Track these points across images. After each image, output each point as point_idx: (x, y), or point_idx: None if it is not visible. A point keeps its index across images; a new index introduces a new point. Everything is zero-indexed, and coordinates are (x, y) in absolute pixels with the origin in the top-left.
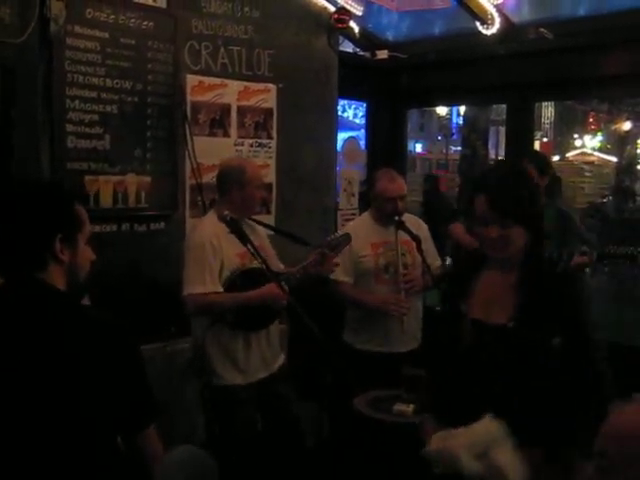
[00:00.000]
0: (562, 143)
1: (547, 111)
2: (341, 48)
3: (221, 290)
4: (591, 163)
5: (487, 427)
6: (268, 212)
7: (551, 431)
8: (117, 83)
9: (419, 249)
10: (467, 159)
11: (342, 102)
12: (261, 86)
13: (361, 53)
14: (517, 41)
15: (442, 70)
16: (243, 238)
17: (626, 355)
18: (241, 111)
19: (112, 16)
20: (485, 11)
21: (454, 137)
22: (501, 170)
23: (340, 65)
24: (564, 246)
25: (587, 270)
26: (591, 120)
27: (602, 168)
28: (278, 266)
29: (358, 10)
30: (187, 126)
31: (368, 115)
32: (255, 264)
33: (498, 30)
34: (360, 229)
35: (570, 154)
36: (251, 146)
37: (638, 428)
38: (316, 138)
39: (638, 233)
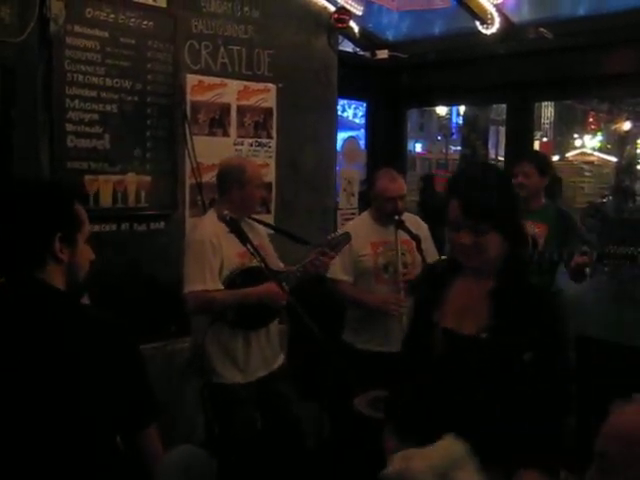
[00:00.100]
0: (562, 143)
1: (547, 111)
2: (341, 48)
3: (222, 288)
4: (591, 163)
5: (449, 447)
6: (268, 211)
7: (516, 447)
8: (117, 82)
9: (419, 248)
10: (467, 159)
11: (342, 102)
12: (261, 86)
13: (361, 53)
14: (517, 41)
15: (442, 70)
16: (242, 237)
17: (626, 355)
18: (241, 111)
19: (112, 15)
20: (485, 11)
21: (454, 137)
22: (475, 172)
23: (340, 65)
24: (564, 246)
25: (587, 270)
26: (591, 120)
27: (602, 168)
28: (278, 265)
29: (358, 10)
30: (187, 126)
31: (368, 115)
32: (255, 263)
33: (498, 30)
34: (360, 228)
35: (570, 154)
36: (251, 146)
37: (638, 428)
38: (316, 138)
39: (638, 233)
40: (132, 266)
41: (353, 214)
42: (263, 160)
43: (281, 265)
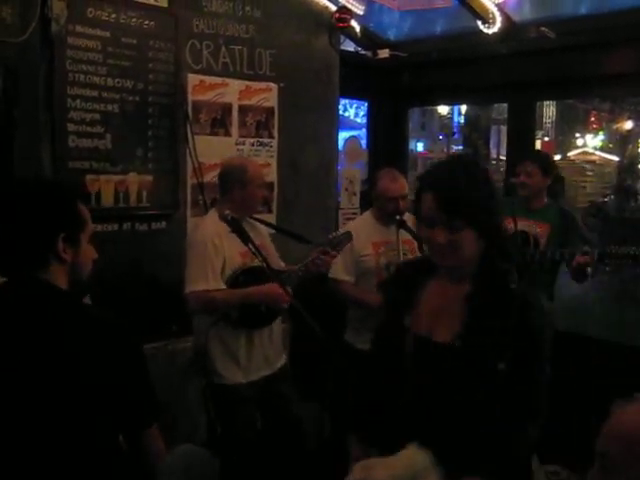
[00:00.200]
0: (564, 142)
1: (549, 110)
2: (342, 47)
3: (224, 287)
4: (593, 162)
5: (412, 457)
6: (269, 211)
7: (482, 459)
8: (118, 82)
9: (420, 249)
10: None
11: (343, 101)
12: (262, 85)
13: (362, 52)
14: (518, 40)
15: (443, 69)
16: (244, 237)
17: (628, 355)
18: (242, 110)
19: (113, 15)
20: (486, 10)
21: (455, 136)
22: (452, 164)
23: (341, 64)
24: (566, 246)
25: (589, 270)
26: (593, 119)
27: (604, 167)
28: (279, 265)
29: (359, 9)
30: (188, 125)
31: (369, 114)
32: (257, 263)
33: (499, 29)
34: (361, 228)
35: (572, 153)
36: (252, 145)
37: (639, 428)
38: (317, 137)
39: (639, 232)
40: (133, 266)
41: (355, 214)
42: (265, 160)
43: (282, 265)
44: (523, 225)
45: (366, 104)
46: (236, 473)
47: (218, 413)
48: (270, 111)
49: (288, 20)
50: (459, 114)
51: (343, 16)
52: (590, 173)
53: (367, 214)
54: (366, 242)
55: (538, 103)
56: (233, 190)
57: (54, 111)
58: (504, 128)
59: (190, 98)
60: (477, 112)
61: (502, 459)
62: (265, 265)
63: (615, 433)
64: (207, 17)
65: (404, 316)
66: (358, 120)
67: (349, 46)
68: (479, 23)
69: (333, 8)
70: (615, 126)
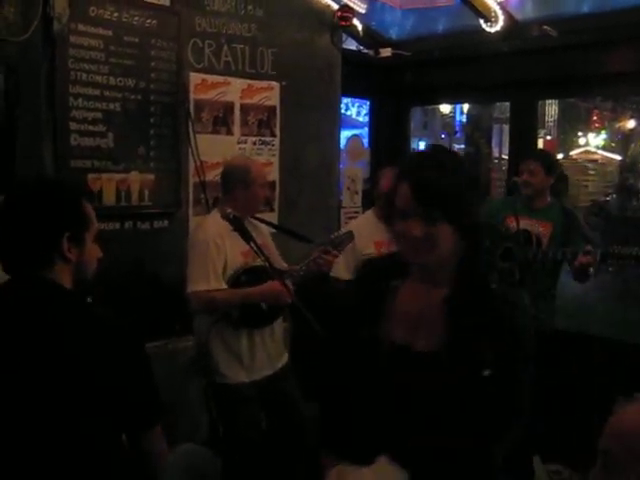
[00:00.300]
0: (566, 141)
1: (551, 109)
2: (344, 46)
3: (225, 287)
4: (595, 161)
5: (382, 472)
6: (271, 210)
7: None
8: (120, 81)
9: None
10: (470, 157)
11: (345, 100)
12: (264, 84)
13: (364, 51)
14: (521, 39)
15: (445, 68)
16: (246, 236)
17: (630, 353)
18: (244, 109)
19: (115, 14)
20: (489, 8)
21: (457, 135)
22: (431, 154)
23: (343, 63)
24: (568, 245)
25: (591, 270)
26: (595, 118)
27: (606, 166)
28: (281, 264)
29: (361, 8)
30: (190, 124)
31: (371, 113)
32: (258, 262)
33: (502, 28)
34: (363, 227)
35: (574, 152)
36: (254, 144)
37: None
38: (319, 136)
39: None
40: (135, 265)
41: (357, 212)
42: (266, 158)
43: (284, 264)
44: (525, 224)
45: (368, 103)
46: (238, 473)
47: (220, 412)
48: (272, 110)
49: (290, 19)
50: (461, 113)
51: (345, 14)
52: (592, 172)
53: (369, 213)
54: (368, 241)
55: (540, 102)
56: (236, 190)
57: (56, 110)
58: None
59: (192, 97)
60: (479, 111)
61: (482, 471)
62: (267, 264)
63: (616, 432)
64: (209, 16)
65: (376, 323)
66: (360, 119)
67: (351, 45)
68: (481, 22)
69: (335, 7)
70: (617, 125)
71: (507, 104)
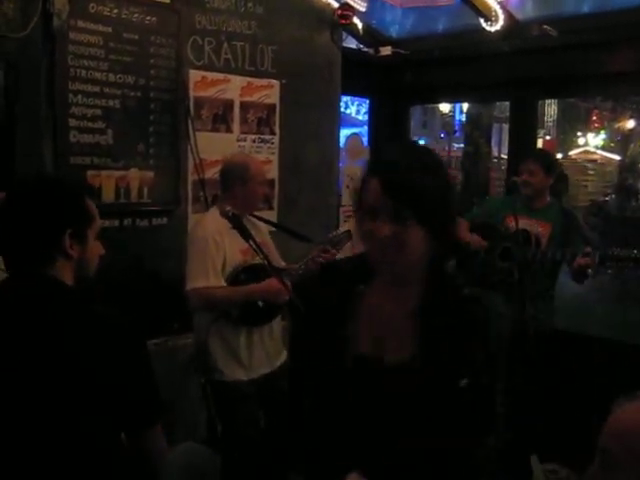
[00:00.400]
0: (565, 141)
1: (550, 109)
2: (344, 44)
3: (224, 285)
4: (594, 161)
5: None
6: (270, 208)
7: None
8: (120, 78)
9: None
10: (470, 156)
11: (345, 98)
12: (264, 82)
13: (364, 49)
14: (521, 38)
15: (445, 67)
16: (245, 234)
17: (629, 354)
18: (244, 107)
19: (115, 11)
20: (489, 8)
21: (457, 134)
22: (404, 149)
23: (343, 61)
24: (567, 246)
25: (589, 271)
26: (594, 118)
27: (605, 166)
28: (279, 263)
29: (362, 6)
30: (190, 121)
31: (371, 112)
32: (257, 260)
33: (502, 27)
34: None
35: (573, 152)
36: (254, 142)
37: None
38: (319, 134)
39: None
40: (134, 262)
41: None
42: (266, 156)
43: (282, 263)
44: (524, 224)
45: (368, 101)
46: (237, 471)
47: (218, 410)
48: (272, 108)
49: (290, 17)
50: (461, 112)
51: (345, 13)
52: (591, 172)
53: None
54: None
55: (540, 101)
56: (234, 187)
57: (55, 106)
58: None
59: (192, 94)
60: (479, 110)
61: None
62: (266, 262)
63: (615, 431)
64: (209, 13)
65: (341, 332)
66: (360, 117)
67: (351, 43)
68: (481, 21)
69: (335, 5)
70: (617, 125)
71: (507, 103)
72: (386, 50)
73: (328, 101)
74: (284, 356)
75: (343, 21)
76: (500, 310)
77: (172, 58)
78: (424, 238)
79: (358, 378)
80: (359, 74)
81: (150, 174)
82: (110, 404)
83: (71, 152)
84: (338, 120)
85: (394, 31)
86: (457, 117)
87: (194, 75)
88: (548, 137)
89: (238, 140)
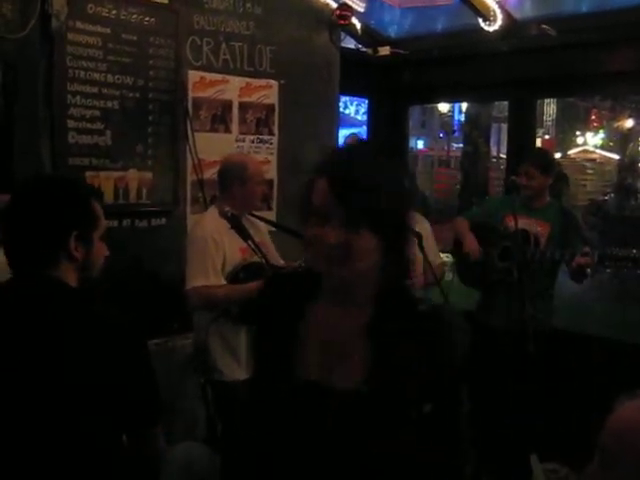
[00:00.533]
0: (564, 140)
1: (549, 108)
2: (343, 44)
3: (224, 283)
4: (593, 160)
5: None
6: (269, 208)
7: None
8: (118, 79)
9: (420, 246)
10: (469, 156)
11: (344, 99)
12: (263, 82)
13: (363, 49)
14: (519, 37)
15: (444, 67)
16: (244, 234)
17: (628, 353)
18: (243, 107)
19: (114, 12)
20: (487, 7)
21: (456, 134)
22: (359, 148)
23: (342, 61)
24: (566, 245)
25: (588, 271)
26: (593, 117)
27: (604, 166)
28: (278, 262)
29: (360, 6)
30: (188, 122)
31: (370, 112)
32: (256, 259)
33: (500, 26)
34: None
35: (572, 151)
36: (252, 142)
37: (635, 424)
38: (318, 134)
39: (639, 231)
40: (133, 262)
41: None
42: (265, 157)
43: (281, 261)
44: (524, 223)
45: (366, 101)
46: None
47: (218, 410)
48: (270, 108)
49: (288, 17)
50: (460, 112)
51: (344, 13)
52: (590, 171)
53: None
54: None
55: (539, 101)
56: (233, 187)
57: (54, 107)
58: (505, 126)
59: (190, 95)
60: (478, 110)
61: None
62: (264, 261)
63: (614, 429)
64: (207, 14)
65: (284, 356)
66: (359, 117)
67: (350, 43)
68: (480, 20)
69: (334, 5)
70: (616, 124)
71: (506, 103)
72: (385, 50)
73: (327, 101)
74: None
75: (342, 21)
76: (462, 326)
77: (171, 59)
78: (376, 249)
79: (303, 408)
80: (358, 74)
81: (149, 175)
82: (111, 404)
83: (69, 153)
84: (337, 120)
85: (392, 31)
86: (456, 117)
87: (193, 76)
88: (547, 136)
89: (237, 140)
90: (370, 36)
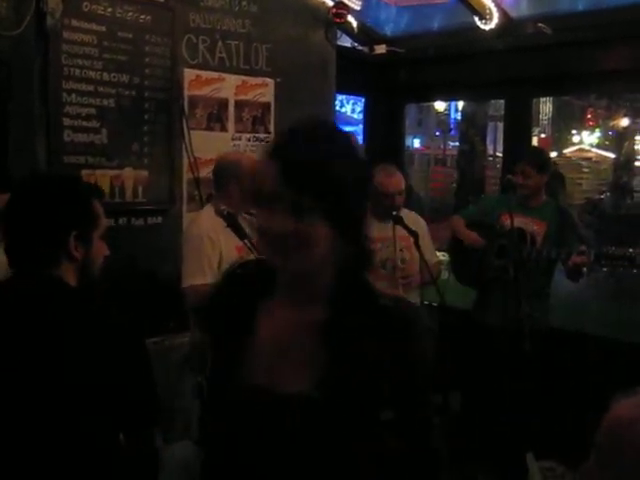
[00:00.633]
0: (560, 139)
1: (545, 107)
2: (339, 42)
3: None
4: (589, 159)
5: None
6: None
7: None
8: (114, 77)
9: (417, 245)
10: (465, 155)
11: (340, 97)
12: (259, 80)
13: (359, 48)
14: (515, 36)
15: (440, 65)
16: (240, 232)
17: (624, 352)
18: (239, 105)
19: (109, 9)
20: (483, 6)
21: (452, 133)
22: (313, 127)
23: (338, 60)
24: (562, 244)
25: (584, 269)
26: (589, 116)
27: (600, 164)
28: None
29: (356, 4)
30: (184, 120)
31: (366, 110)
32: (252, 257)
33: (496, 25)
34: None
35: (568, 150)
36: (248, 140)
37: (633, 419)
38: None
39: (635, 229)
40: (129, 261)
41: None
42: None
43: None
44: (520, 222)
45: (363, 100)
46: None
47: None
48: (266, 106)
49: (284, 15)
50: (456, 110)
51: (340, 11)
52: (586, 170)
53: None
54: None
55: (535, 99)
56: (229, 185)
57: (49, 105)
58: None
59: (186, 93)
60: (474, 108)
61: None
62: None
63: (610, 427)
64: (203, 12)
65: (232, 358)
66: (355, 116)
67: (346, 41)
68: (476, 19)
69: (330, 3)
70: (611, 123)
71: (502, 102)
72: (381, 48)
73: (323, 99)
74: None
75: (338, 19)
76: (428, 326)
77: (166, 57)
78: (331, 239)
79: (243, 416)
80: (354, 72)
81: (145, 173)
82: (109, 404)
83: (65, 151)
84: (333, 118)
85: (389, 29)
86: (452, 115)
87: (188, 74)
88: (543, 135)
89: (233, 139)
90: (366, 34)
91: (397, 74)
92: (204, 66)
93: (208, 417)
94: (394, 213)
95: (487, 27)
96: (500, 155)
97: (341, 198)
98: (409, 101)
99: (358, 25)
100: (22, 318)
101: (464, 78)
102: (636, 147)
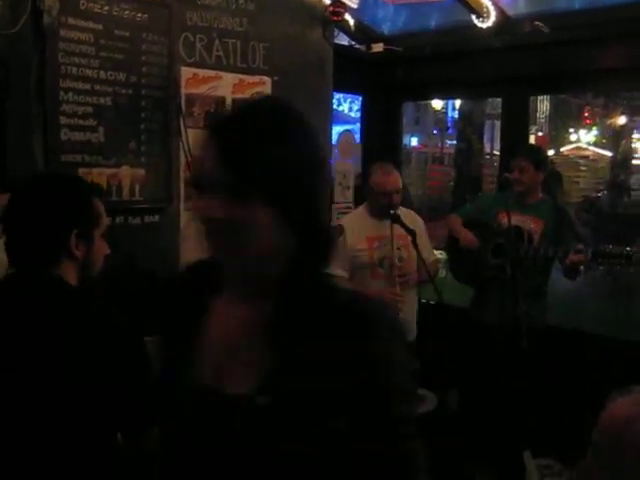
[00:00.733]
0: (557, 137)
1: (542, 105)
2: (336, 41)
3: None
4: (586, 157)
5: None
6: None
7: None
8: (111, 75)
9: (414, 243)
10: (462, 153)
11: (338, 96)
12: (256, 79)
13: (356, 46)
14: (513, 34)
15: (437, 63)
16: None
17: (621, 350)
18: (236, 104)
19: (106, 7)
20: (481, 4)
21: (450, 131)
22: (256, 104)
23: (335, 58)
24: (559, 242)
25: (582, 268)
26: (586, 114)
27: (597, 162)
28: None
29: (353, 3)
30: (181, 119)
31: (363, 108)
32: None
33: (494, 23)
34: (355, 223)
35: (565, 148)
36: None
37: (630, 417)
38: None
39: (632, 228)
40: (127, 260)
41: (348, 208)
42: None
43: None
44: (517, 220)
45: (360, 98)
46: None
47: None
48: None
49: (282, 13)
50: (453, 109)
51: (337, 9)
52: (583, 168)
53: (361, 209)
54: (360, 237)
55: (532, 98)
56: None
57: (46, 104)
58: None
59: (183, 91)
60: (471, 107)
61: None
62: None
63: (607, 425)
64: (200, 10)
65: (179, 358)
66: (352, 114)
67: (343, 40)
68: (473, 17)
69: (327, 1)
70: (609, 121)
71: (499, 100)
72: (378, 47)
73: (320, 98)
74: None
75: (335, 18)
76: (394, 325)
77: (163, 55)
78: (277, 226)
79: (195, 416)
80: (351, 71)
81: (142, 172)
82: (109, 403)
83: (62, 150)
84: (330, 117)
85: (386, 28)
86: (450, 114)
87: (185, 72)
88: (540, 133)
89: None
90: (363, 33)
91: (394, 72)
92: (201, 64)
93: (159, 418)
94: (392, 212)
95: (484, 25)
96: (497, 153)
97: (285, 182)
98: (406, 99)
99: (355, 23)
100: (22, 318)
101: (461, 76)
102: (633, 145)
